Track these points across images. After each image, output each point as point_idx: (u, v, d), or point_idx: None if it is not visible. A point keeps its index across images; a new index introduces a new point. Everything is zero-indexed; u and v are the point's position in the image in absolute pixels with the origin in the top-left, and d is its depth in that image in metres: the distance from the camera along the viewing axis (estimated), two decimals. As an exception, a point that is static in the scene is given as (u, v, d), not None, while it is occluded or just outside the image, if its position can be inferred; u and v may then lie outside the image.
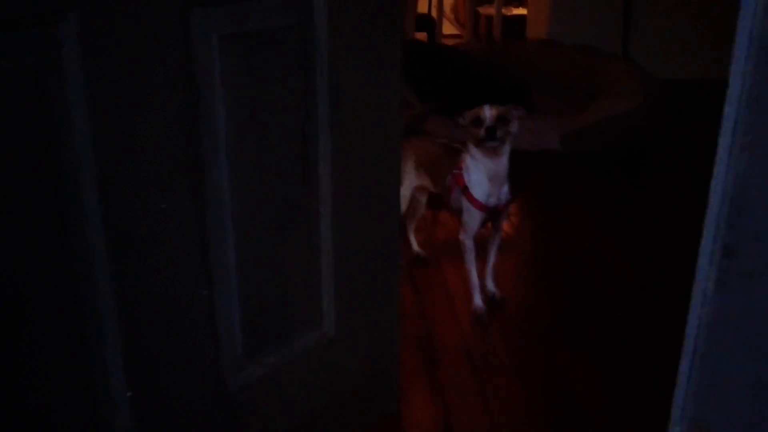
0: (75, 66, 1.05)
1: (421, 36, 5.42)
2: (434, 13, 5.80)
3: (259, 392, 1.49)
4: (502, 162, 2.18)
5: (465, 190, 2.23)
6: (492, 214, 2.25)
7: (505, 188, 2.23)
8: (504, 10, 5.75)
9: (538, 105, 3.92)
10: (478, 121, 2.15)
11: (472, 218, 2.24)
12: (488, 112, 2.14)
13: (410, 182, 2.49)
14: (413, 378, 1.98)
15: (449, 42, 5.70)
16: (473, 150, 2.19)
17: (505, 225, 2.93)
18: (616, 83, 3.82)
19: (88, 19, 1.05)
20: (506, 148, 2.17)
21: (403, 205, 2.52)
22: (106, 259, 1.16)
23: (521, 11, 5.82)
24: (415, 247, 2.71)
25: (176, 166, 1.22)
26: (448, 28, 6.26)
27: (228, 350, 1.40)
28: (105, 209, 1.14)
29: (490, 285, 2.38)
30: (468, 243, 2.29)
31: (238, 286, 1.38)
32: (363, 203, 1.57)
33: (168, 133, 1.19)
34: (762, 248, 0.73)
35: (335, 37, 1.38)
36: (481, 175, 2.20)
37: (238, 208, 1.34)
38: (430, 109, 3.85)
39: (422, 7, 5.76)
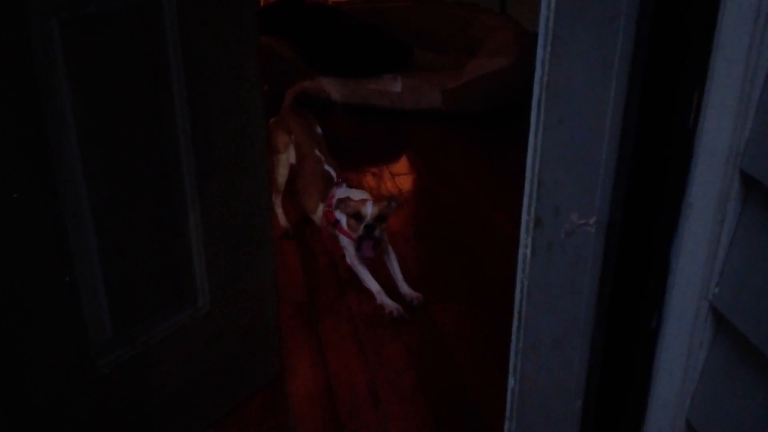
0: None
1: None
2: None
3: (134, 370, 1.50)
4: None
5: (336, 225, 2.26)
6: None
7: None
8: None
9: (419, 62, 3.98)
10: (358, 216, 2.15)
11: (349, 245, 2.25)
12: (369, 209, 2.15)
13: (288, 155, 2.50)
14: (297, 342, 2.03)
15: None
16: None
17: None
18: (493, 38, 3.92)
19: None
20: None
21: (286, 171, 2.53)
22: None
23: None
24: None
25: (25, 155, 1.19)
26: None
27: (96, 333, 1.40)
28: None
29: (405, 288, 2.26)
30: (354, 263, 2.27)
31: (101, 269, 1.38)
32: (228, 176, 1.58)
33: (10, 122, 1.16)
34: (559, 221, 0.81)
35: (185, 11, 1.37)
36: None
37: (96, 192, 1.33)
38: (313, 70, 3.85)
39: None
